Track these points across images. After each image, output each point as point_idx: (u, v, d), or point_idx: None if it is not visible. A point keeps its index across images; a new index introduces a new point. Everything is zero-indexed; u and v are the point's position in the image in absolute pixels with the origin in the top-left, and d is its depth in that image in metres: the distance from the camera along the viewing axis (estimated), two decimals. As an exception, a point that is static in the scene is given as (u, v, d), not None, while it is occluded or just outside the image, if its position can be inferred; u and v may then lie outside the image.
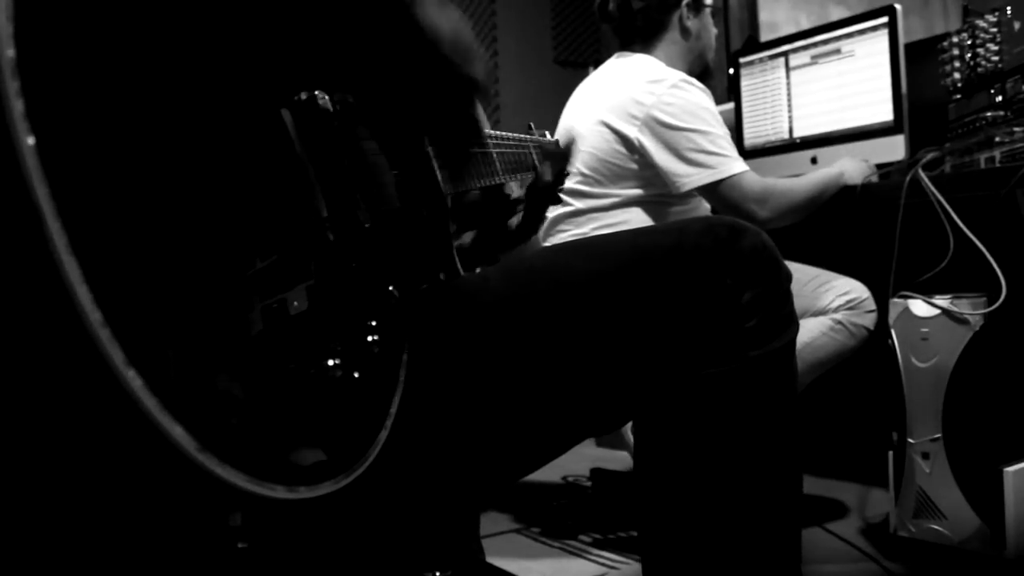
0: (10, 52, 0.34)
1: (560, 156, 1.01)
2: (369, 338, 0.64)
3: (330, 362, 0.59)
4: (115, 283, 0.37)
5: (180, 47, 0.47)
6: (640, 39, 1.83)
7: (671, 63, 1.78)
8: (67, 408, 0.37)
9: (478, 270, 0.88)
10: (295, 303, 0.55)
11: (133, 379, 0.36)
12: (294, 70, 0.61)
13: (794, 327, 0.76)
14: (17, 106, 0.34)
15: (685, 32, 1.83)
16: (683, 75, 1.72)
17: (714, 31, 1.90)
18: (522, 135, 0.97)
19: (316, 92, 0.62)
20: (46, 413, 0.37)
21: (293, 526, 0.53)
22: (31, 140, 0.34)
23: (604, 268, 0.73)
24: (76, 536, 0.40)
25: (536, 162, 0.98)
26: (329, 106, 0.64)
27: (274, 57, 0.57)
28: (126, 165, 0.40)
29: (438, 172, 0.79)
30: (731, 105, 2.26)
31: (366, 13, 0.54)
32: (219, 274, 0.48)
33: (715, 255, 0.70)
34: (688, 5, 1.81)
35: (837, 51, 1.99)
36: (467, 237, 0.95)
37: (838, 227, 2.05)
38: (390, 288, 0.68)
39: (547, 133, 1.04)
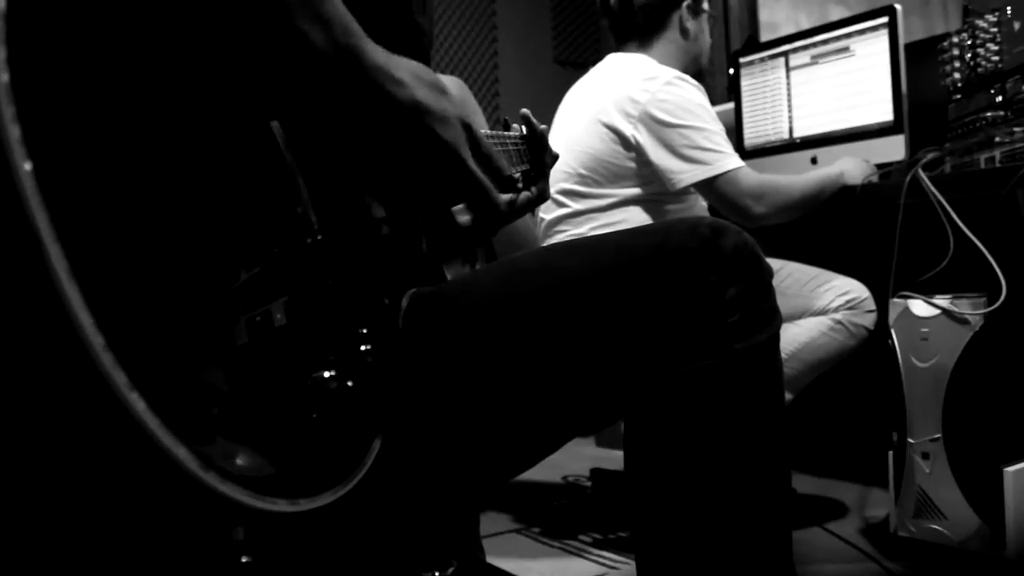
0: (4, 77, 0.34)
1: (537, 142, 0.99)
2: (362, 346, 0.65)
3: (325, 374, 0.59)
4: (115, 307, 0.37)
5: (173, 69, 0.47)
6: (638, 36, 1.83)
7: (666, 62, 1.78)
8: (73, 433, 0.37)
9: (477, 265, 0.88)
10: (289, 316, 0.55)
11: (136, 402, 0.36)
12: (275, 87, 0.61)
13: (777, 321, 0.78)
14: (13, 132, 0.33)
15: (684, 32, 1.84)
16: (678, 72, 1.72)
17: (710, 40, 1.91)
18: (499, 132, 0.95)
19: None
20: (52, 438, 0.37)
21: (295, 537, 0.53)
22: (28, 165, 0.34)
23: (592, 268, 0.75)
24: (84, 555, 0.41)
25: (519, 159, 0.97)
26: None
27: (257, 75, 0.57)
28: (124, 188, 0.41)
29: None
30: (731, 105, 2.26)
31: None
32: (216, 292, 0.48)
33: (699, 253, 0.72)
34: (688, 6, 1.82)
35: (837, 51, 1.99)
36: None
37: (838, 227, 2.05)
38: (380, 294, 0.68)
39: (522, 127, 1.00)
